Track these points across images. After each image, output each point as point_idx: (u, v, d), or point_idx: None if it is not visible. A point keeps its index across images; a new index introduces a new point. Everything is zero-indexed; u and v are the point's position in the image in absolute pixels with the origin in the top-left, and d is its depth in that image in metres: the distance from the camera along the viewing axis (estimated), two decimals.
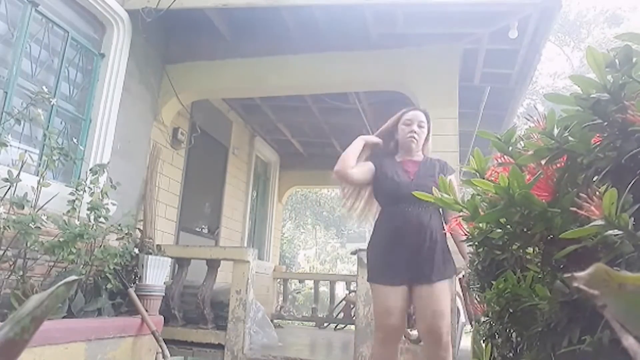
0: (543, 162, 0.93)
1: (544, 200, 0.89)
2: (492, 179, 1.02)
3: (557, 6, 3.83)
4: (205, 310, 4.10)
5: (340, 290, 9.98)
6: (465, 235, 1.15)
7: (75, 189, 3.43)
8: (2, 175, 2.89)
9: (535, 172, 0.93)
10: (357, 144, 2.55)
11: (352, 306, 6.94)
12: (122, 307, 3.66)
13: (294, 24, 4.54)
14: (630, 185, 0.74)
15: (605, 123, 0.83)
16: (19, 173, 2.93)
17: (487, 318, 1.13)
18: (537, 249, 0.98)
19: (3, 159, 3.07)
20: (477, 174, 1.11)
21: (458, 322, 3.34)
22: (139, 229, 4.36)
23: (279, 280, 8.08)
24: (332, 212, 18.88)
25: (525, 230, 0.93)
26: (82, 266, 3.41)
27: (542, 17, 3.92)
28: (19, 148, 3.41)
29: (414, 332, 3.44)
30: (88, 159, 3.96)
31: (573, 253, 0.80)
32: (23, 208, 2.94)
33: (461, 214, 0.99)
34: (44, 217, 3.00)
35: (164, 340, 3.58)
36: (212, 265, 4.24)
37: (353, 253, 3.90)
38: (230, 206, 6.85)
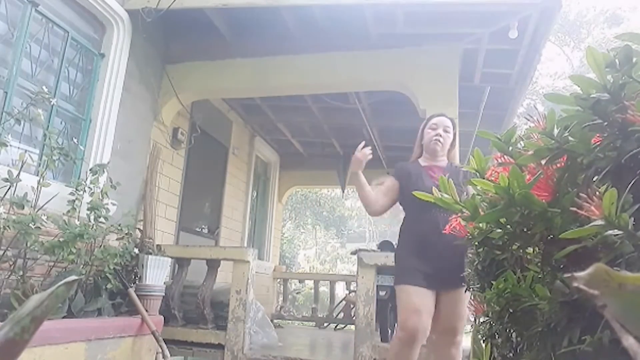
0: (543, 162, 0.93)
1: (544, 200, 0.89)
2: (492, 179, 1.02)
3: (557, 6, 3.83)
4: (205, 310, 4.10)
5: (340, 290, 9.99)
6: (465, 235, 1.16)
7: (75, 189, 3.43)
8: (2, 175, 2.89)
9: (535, 172, 0.93)
10: (360, 180, 2.58)
11: (352, 306, 6.94)
12: (122, 307, 3.66)
13: (294, 24, 4.54)
14: (630, 185, 0.74)
15: (605, 123, 0.83)
16: (19, 173, 2.93)
17: (487, 318, 1.13)
18: (537, 249, 0.98)
19: (3, 159, 3.07)
20: (477, 174, 1.11)
21: None
22: (139, 229, 4.36)
23: (279, 280, 8.08)
24: (332, 212, 18.88)
25: (525, 230, 0.93)
26: (82, 266, 3.41)
27: (542, 17, 3.92)
28: (19, 148, 3.41)
29: None
30: (88, 159, 3.96)
31: (573, 253, 0.80)
32: (23, 208, 2.93)
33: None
34: (44, 217, 3.00)
35: (164, 340, 3.58)
36: (212, 265, 4.24)
37: (353, 253, 3.90)
38: (230, 206, 6.85)
